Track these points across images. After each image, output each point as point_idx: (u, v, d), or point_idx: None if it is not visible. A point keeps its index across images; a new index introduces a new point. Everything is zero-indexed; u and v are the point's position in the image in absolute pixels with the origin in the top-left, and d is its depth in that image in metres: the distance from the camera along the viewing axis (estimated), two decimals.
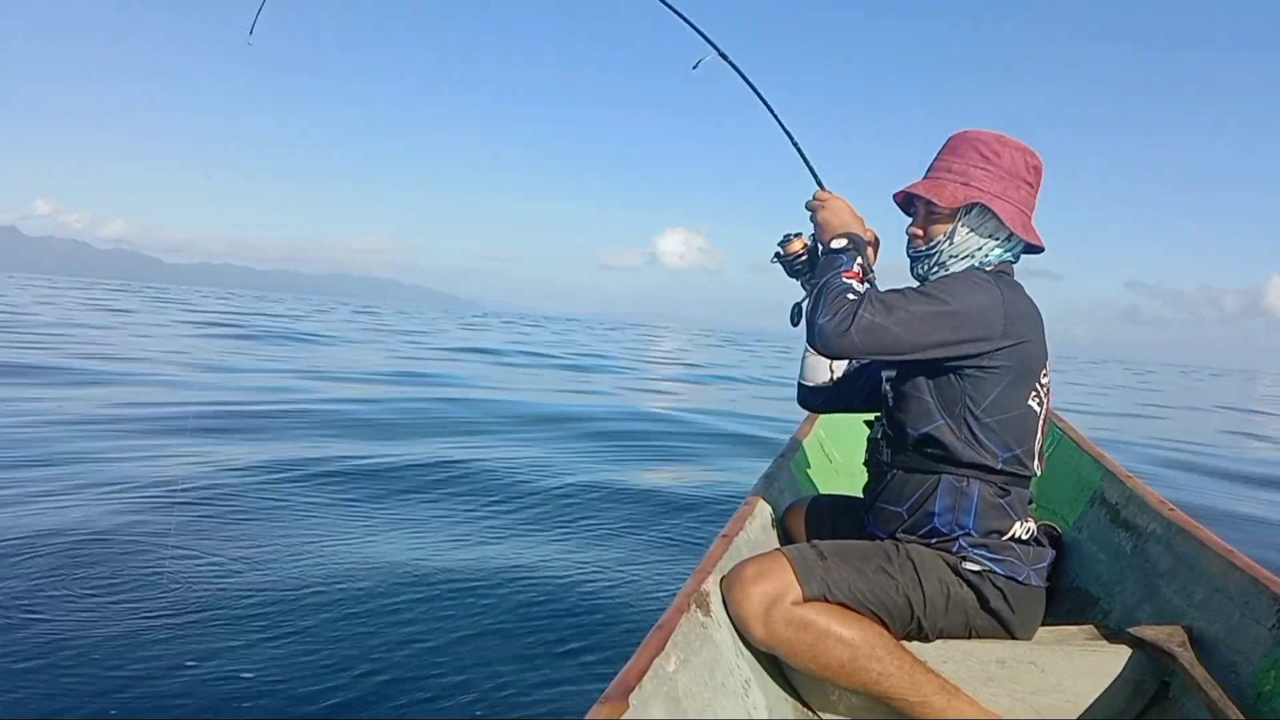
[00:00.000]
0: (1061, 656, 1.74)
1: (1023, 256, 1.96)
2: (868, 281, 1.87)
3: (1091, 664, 1.74)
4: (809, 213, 2.04)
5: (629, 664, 1.36)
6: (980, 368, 1.76)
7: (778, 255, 2.09)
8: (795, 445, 3.14)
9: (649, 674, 1.35)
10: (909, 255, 1.96)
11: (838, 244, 1.88)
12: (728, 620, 1.73)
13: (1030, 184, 1.88)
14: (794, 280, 2.11)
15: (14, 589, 2.87)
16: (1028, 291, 1.86)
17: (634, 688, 1.29)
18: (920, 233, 1.93)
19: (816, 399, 2.35)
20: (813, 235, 2.04)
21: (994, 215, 1.83)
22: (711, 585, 1.76)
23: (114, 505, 3.97)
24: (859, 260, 1.85)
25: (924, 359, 1.74)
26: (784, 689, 1.81)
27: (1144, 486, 2.48)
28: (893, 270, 2.07)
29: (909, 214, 1.98)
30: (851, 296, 1.71)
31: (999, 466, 1.80)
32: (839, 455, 3.50)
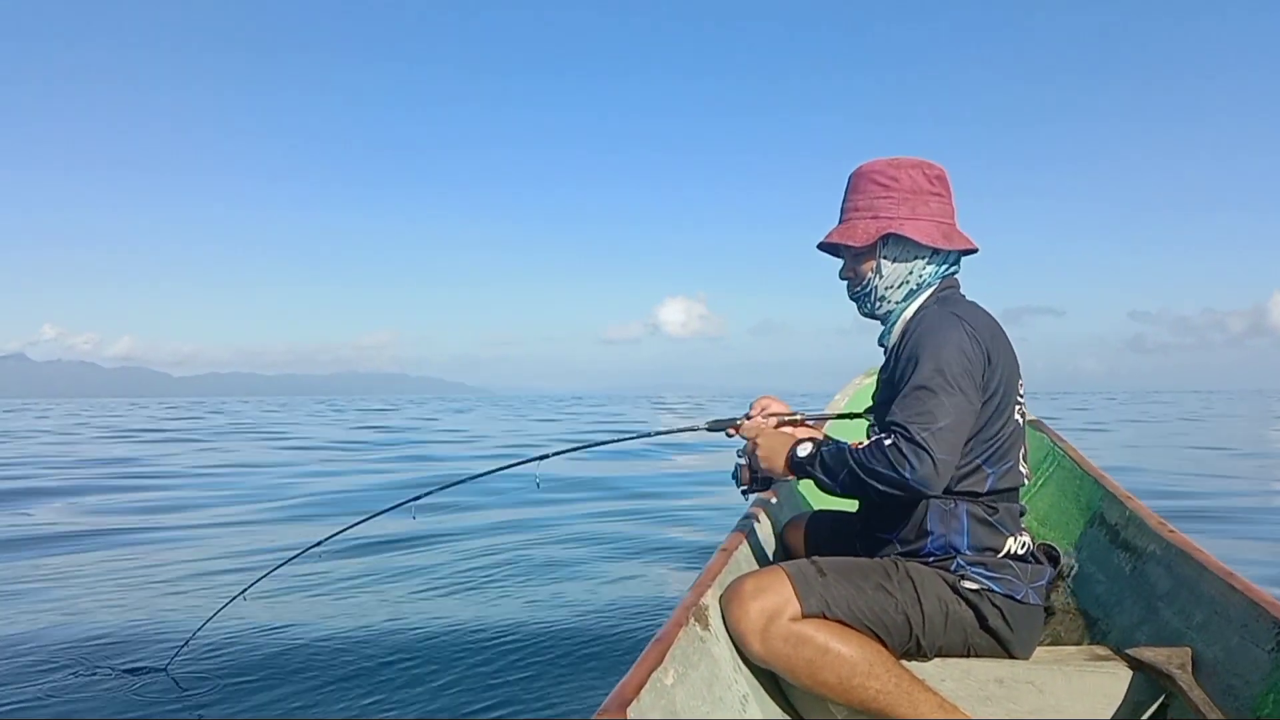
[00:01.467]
0: (1060, 677, 1.73)
1: (963, 261, 1.97)
2: (806, 420, 2.08)
3: (1090, 685, 1.73)
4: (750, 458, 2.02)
5: (626, 676, 1.36)
6: None
7: (745, 489, 2.08)
8: None
9: (647, 687, 1.35)
10: (850, 298, 2.00)
11: (804, 451, 1.85)
12: (726, 635, 1.73)
13: (938, 193, 1.90)
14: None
15: None
16: (984, 307, 1.89)
17: (631, 700, 1.29)
18: (852, 275, 1.97)
19: None
20: (741, 452, 2.06)
21: (909, 239, 1.86)
22: (710, 599, 1.75)
23: None
24: (830, 437, 1.90)
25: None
26: (781, 705, 1.80)
27: (1144, 507, 2.48)
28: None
29: (839, 257, 2.02)
30: (889, 442, 1.66)
31: (986, 488, 1.80)
32: None
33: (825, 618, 1.68)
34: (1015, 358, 1.86)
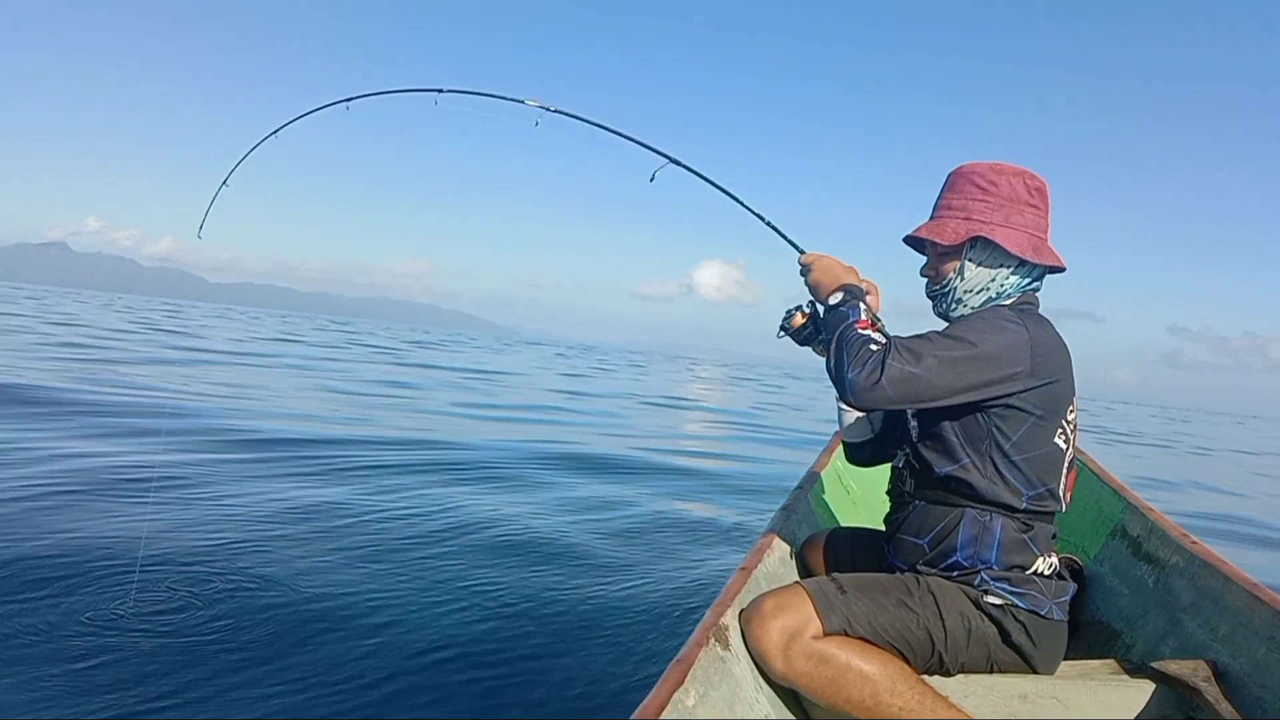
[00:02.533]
0: (1084, 691, 1.72)
1: (1048, 279, 1.94)
2: (878, 330, 1.85)
3: (1115, 699, 1.72)
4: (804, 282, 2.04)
5: (648, 698, 1.36)
6: (1008, 406, 1.75)
7: (785, 330, 2.09)
8: (813, 477, 3.14)
9: (668, 708, 1.35)
10: (928, 295, 1.98)
11: (835, 299, 1.88)
12: (747, 654, 1.73)
13: (1035, 206, 1.88)
14: (807, 347, 2.11)
15: None
16: (1057, 328, 1.85)
17: None
18: (933, 273, 1.94)
19: (863, 453, 2.32)
20: (810, 303, 2.05)
21: (999, 245, 1.84)
22: (730, 619, 1.76)
23: None
24: (863, 308, 1.85)
25: (956, 403, 1.72)
26: None
27: (1165, 519, 2.46)
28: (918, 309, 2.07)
29: (923, 254, 2.00)
30: (874, 347, 1.69)
31: (1023, 505, 1.79)
32: (857, 487, 3.48)
33: (847, 635, 1.69)
34: (1072, 382, 1.82)
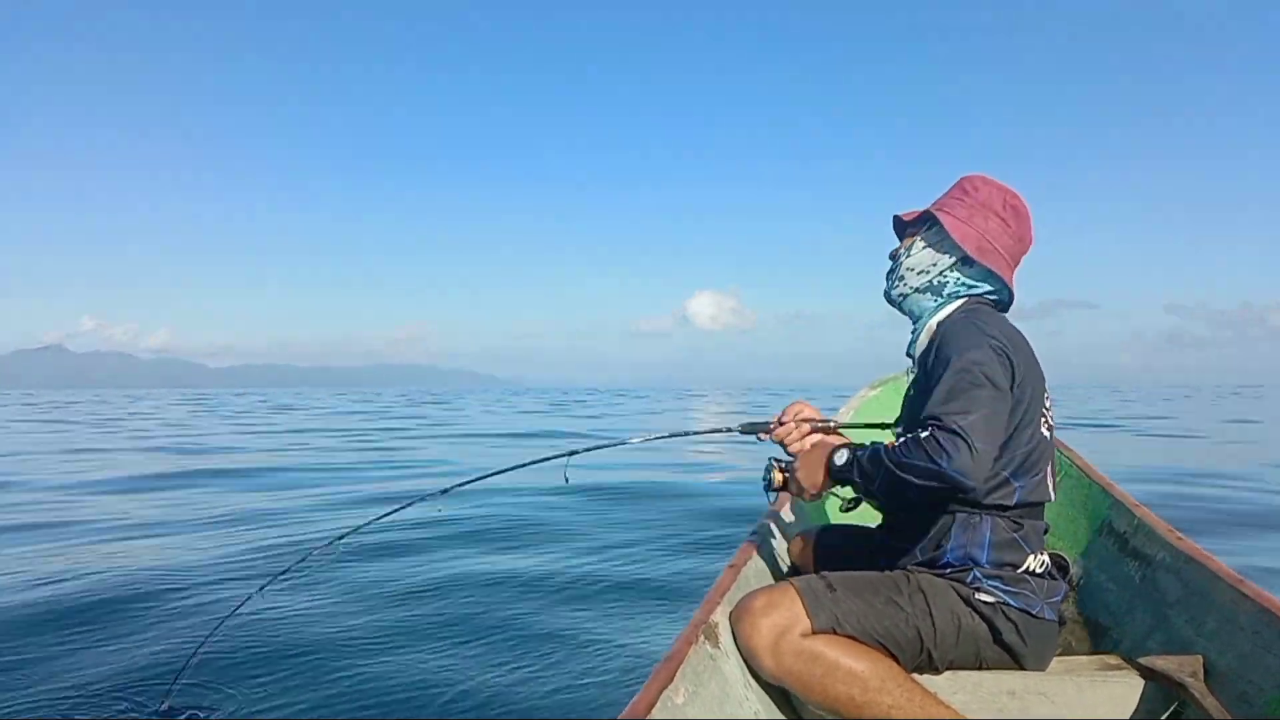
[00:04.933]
0: (1072, 687, 1.73)
1: (1010, 309, 1.98)
2: (839, 428, 2.04)
3: (1102, 695, 1.73)
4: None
5: (638, 696, 1.36)
6: None
7: (774, 489, 2.08)
8: None
9: (658, 706, 1.35)
10: (885, 276, 2.08)
11: (841, 459, 1.84)
12: (736, 652, 1.73)
13: (1004, 219, 1.93)
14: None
15: None
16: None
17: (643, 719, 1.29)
18: (894, 253, 2.07)
19: (853, 502, 2.22)
20: (780, 461, 2.07)
21: (946, 233, 1.93)
22: (720, 616, 1.76)
23: None
24: (847, 452, 1.83)
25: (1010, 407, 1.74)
26: None
27: (1152, 515, 2.47)
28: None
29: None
30: (925, 434, 1.65)
31: (1014, 502, 1.80)
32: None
33: (836, 633, 1.69)
34: (1040, 370, 1.86)
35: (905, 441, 1.69)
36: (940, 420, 1.63)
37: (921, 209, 2.02)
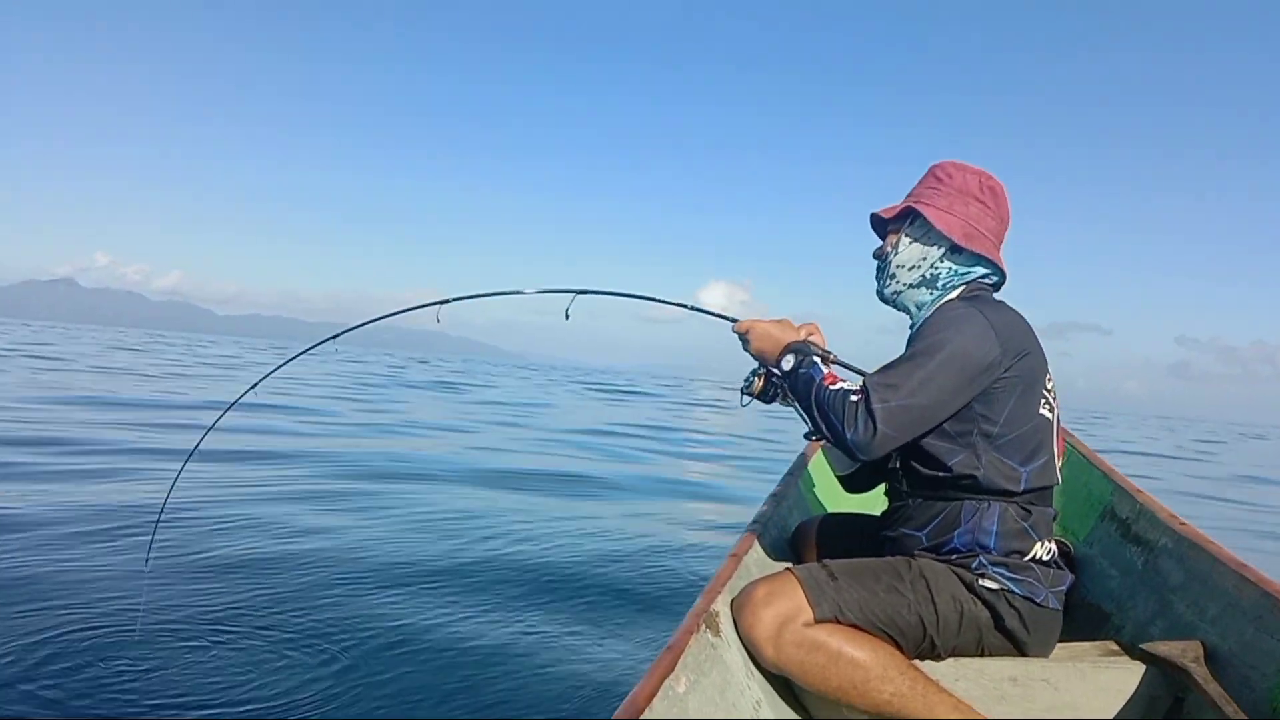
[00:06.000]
0: (1075, 674, 1.73)
1: (1003, 290, 1.98)
2: (834, 362, 1.95)
3: (1105, 681, 1.73)
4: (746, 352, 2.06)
5: (639, 685, 1.36)
6: (988, 391, 1.76)
7: (748, 395, 2.09)
8: (803, 464, 3.14)
9: (659, 695, 1.34)
10: (875, 278, 2.05)
11: (786, 362, 1.90)
12: (738, 641, 1.73)
13: (983, 202, 1.93)
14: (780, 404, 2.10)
15: None
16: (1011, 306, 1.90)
17: (644, 709, 1.29)
18: (880, 252, 2.03)
19: (859, 482, 2.32)
20: (763, 367, 2.06)
21: (930, 224, 1.91)
22: (721, 605, 1.75)
23: None
24: (819, 362, 1.87)
25: (956, 410, 1.74)
26: (795, 710, 1.80)
27: (1154, 500, 2.47)
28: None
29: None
30: (855, 398, 1.70)
31: (1021, 488, 1.79)
32: None
33: (838, 622, 1.68)
34: (1041, 352, 1.85)
35: (839, 392, 1.73)
36: (869, 394, 1.68)
37: (899, 204, 1.99)
